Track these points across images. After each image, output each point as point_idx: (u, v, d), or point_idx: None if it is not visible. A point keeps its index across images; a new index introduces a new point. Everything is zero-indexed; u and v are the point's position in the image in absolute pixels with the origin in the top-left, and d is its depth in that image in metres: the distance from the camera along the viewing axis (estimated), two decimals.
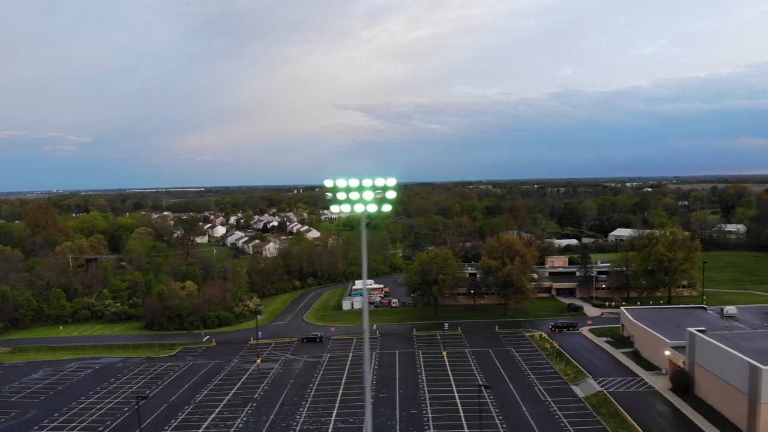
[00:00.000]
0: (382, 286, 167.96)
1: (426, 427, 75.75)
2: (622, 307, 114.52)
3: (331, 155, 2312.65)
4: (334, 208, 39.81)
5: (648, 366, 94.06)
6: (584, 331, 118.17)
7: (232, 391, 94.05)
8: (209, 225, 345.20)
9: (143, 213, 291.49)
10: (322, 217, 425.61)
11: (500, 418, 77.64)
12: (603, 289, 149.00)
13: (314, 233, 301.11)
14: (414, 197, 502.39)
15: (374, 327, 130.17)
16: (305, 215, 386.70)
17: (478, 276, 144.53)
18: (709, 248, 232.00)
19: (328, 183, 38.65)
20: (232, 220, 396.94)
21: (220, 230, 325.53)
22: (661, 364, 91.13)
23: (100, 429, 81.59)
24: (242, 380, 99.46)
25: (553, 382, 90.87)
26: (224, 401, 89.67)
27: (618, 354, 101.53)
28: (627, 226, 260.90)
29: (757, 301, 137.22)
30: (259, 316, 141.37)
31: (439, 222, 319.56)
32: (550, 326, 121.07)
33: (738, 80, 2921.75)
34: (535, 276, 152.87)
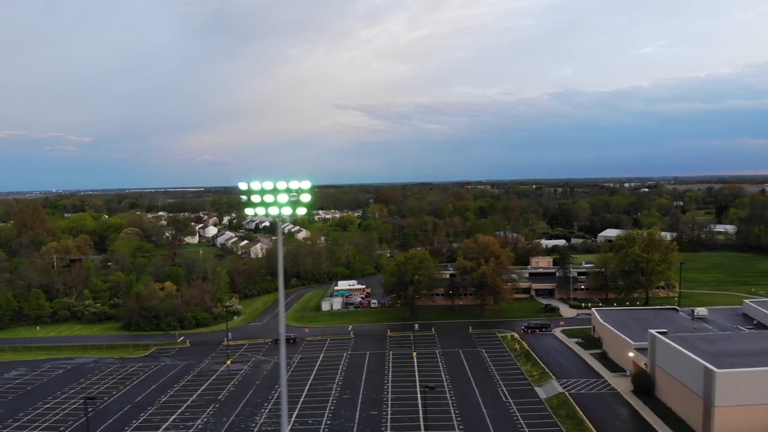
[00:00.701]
0: (363, 286, 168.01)
1: (383, 429, 75.68)
2: (592, 308, 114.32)
3: (331, 155, 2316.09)
4: (249, 211, 39.77)
5: (614, 367, 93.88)
6: (557, 332, 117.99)
7: (198, 392, 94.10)
8: (201, 225, 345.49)
9: (131, 213, 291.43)
10: (315, 218, 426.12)
11: (458, 419, 77.57)
12: (582, 290, 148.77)
13: (305, 233, 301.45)
14: (409, 197, 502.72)
15: (350, 328, 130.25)
16: (304, 215, 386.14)
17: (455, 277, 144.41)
18: (697, 249, 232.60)
19: (243, 186, 38.61)
20: (226, 220, 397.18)
21: (212, 230, 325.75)
22: (626, 365, 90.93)
23: (61, 429, 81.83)
24: (209, 381, 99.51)
25: (518, 383, 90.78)
26: (188, 402, 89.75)
27: (586, 355, 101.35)
28: (616, 226, 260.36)
29: (737, 302, 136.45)
30: (236, 317, 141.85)
31: (430, 222, 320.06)
32: (523, 327, 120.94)
33: (738, 80, 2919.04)
34: (514, 276, 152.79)
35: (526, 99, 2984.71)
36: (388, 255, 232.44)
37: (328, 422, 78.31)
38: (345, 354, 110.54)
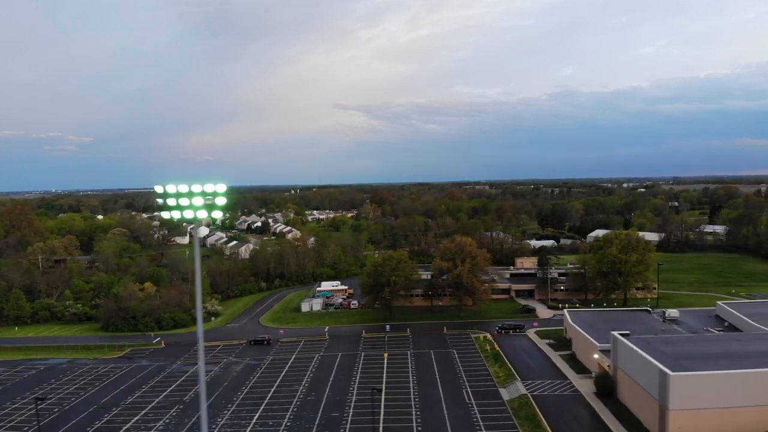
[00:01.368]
0: (346, 287, 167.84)
1: (341, 431, 75.61)
2: (564, 310, 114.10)
3: (330, 155, 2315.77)
4: (165, 214, 39.70)
5: (581, 369, 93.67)
6: (530, 333, 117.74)
7: (164, 394, 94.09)
8: (192, 226, 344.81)
9: (120, 214, 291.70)
10: (309, 218, 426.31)
11: (419, 421, 77.44)
12: (562, 290, 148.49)
13: (296, 234, 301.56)
14: (404, 198, 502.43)
15: (326, 329, 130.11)
16: (291, 215, 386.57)
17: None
18: (684, 250, 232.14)
19: (159, 189, 38.55)
20: (219, 220, 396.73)
21: (204, 231, 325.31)
22: (593, 367, 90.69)
23: (25, 429, 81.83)
24: (178, 382, 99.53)
25: (483, 385, 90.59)
26: (153, 403, 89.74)
27: (555, 356, 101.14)
28: (606, 227, 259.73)
29: (715, 303, 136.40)
30: (213, 318, 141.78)
31: (421, 223, 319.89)
32: (496, 328, 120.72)
33: (737, 81, 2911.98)
34: (495, 278, 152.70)
35: (526, 99, 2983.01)
36: (375, 255, 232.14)
37: (289, 424, 78.24)
38: (317, 355, 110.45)
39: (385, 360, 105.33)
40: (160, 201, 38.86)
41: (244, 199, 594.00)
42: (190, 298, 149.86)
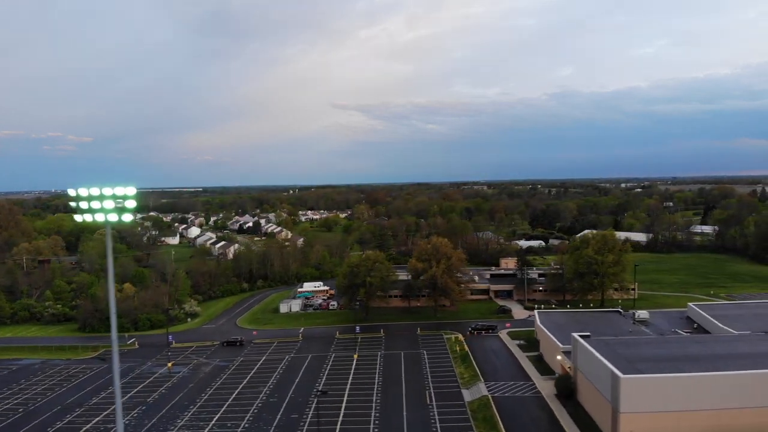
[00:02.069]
0: (327, 288, 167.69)
1: None
2: (535, 310, 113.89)
3: (329, 155, 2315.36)
4: (78, 217, 39.65)
5: (546, 370, 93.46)
6: (502, 334, 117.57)
7: (130, 394, 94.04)
8: (184, 226, 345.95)
9: None
10: (303, 218, 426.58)
11: (377, 422, 77.31)
12: (541, 291, 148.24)
13: (286, 234, 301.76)
14: (399, 198, 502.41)
15: (301, 330, 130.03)
16: (284, 215, 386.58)
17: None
18: (672, 250, 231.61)
19: (72, 192, 38.47)
20: (212, 221, 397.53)
21: (195, 231, 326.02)
22: (557, 368, 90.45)
23: None
24: (145, 383, 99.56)
25: (447, 386, 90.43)
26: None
27: (522, 358, 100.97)
28: (594, 227, 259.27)
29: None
30: (189, 319, 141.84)
31: (412, 223, 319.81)
32: (469, 329, 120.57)
33: (736, 81, 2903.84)
34: (475, 278, 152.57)
35: (525, 99, 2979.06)
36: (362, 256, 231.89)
37: (246, 426, 78.17)
38: (287, 357, 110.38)
39: (355, 361, 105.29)
40: (72, 204, 38.72)
41: (240, 199, 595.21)
42: (169, 298, 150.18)
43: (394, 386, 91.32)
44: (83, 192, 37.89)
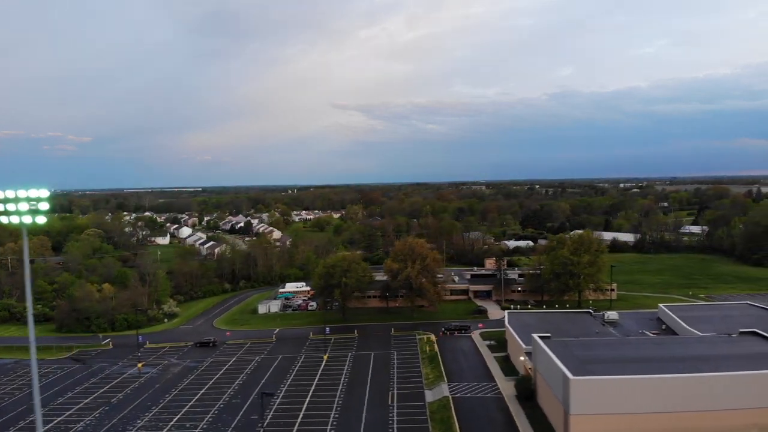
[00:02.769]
0: (308, 288, 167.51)
1: None
2: (505, 311, 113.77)
3: (329, 155, 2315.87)
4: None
5: (511, 371, 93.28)
6: (474, 334, 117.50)
7: (96, 394, 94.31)
8: (176, 226, 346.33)
9: (95, 214, 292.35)
10: (297, 218, 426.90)
11: (334, 423, 77.27)
12: (519, 291, 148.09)
13: (277, 234, 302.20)
14: (393, 199, 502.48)
15: (276, 331, 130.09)
16: (276, 215, 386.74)
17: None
18: (659, 251, 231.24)
19: None
20: (205, 221, 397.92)
21: (186, 231, 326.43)
22: (522, 369, 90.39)
23: None
24: (113, 383, 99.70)
25: (411, 387, 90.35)
26: (81, 404, 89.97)
27: (490, 358, 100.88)
28: (582, 228, 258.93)
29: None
30: (166, 320, 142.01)
31: (403, 223, 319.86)
32: (442, 329, 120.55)
33: (736, 81, 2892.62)
34: (455, 278, 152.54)
35: (525, 99, 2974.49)
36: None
37: (204, 426, 78.19)
38: (257, 357, 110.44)
39: (324, 362, 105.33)
40: None
41: (236, 199, 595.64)
42: (148, 299, 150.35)
43: (358, 387, 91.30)
44: None
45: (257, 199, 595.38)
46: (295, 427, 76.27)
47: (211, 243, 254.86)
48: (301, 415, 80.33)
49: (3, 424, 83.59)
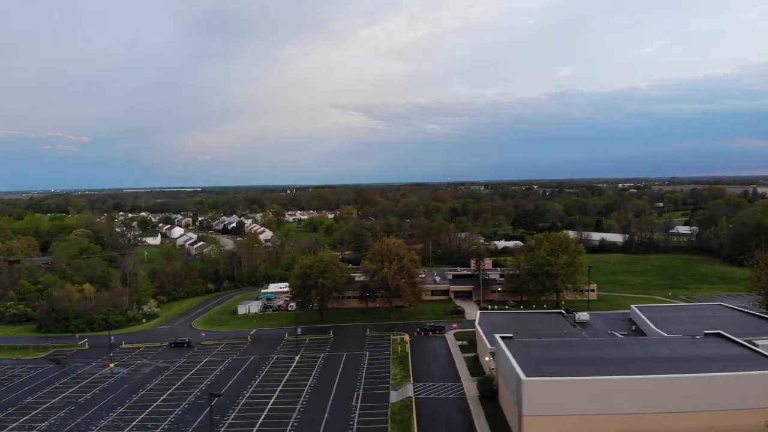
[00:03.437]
0: (290, 289, 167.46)
1: None
2: (478, 311, 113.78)
3: (329, 155, 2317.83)
4: None
5: (479, 371, 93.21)
6: (448, 334, 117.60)
7: (64, 394, 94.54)
8: (168, 226, 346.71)
9: (84, 214, 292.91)
10: (291, 218, 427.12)
11: (294, 424, 77.35)
12: (499, 292, 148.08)
13: (268, 234, 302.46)
14: (389, 199, 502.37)
15: (252, 332, 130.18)
16: (270, 215, 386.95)
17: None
18: (647, 251, 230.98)
19: None
20: (198, 221, 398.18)
21: (178, 231, 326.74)
22: (487, 370, 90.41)
23: None
24: (82, 384, 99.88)
25: (378, 387, 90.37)
26: (48, 404, 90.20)
27: (459, 359, 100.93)
28: (571, 228, 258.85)
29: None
30: (144, 321, 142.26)
31: (395, 224, 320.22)
32: (417, 329, 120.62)
33: (736, 81, 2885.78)
34: (436, 279, 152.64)
35: (525, 99, 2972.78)
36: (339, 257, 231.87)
37: (166, 427, 78.35)
38: (229, 358, 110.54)
39: (295, 362, 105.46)
40: None
41: (233, 200, 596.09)
42: (129, 299, 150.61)
43: (325, 388, 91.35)
44: None
45: (254, 199, 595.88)
46: (255, 428, 76.42)
47: (200, 243, 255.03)
48: (263, 416, 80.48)
49: None
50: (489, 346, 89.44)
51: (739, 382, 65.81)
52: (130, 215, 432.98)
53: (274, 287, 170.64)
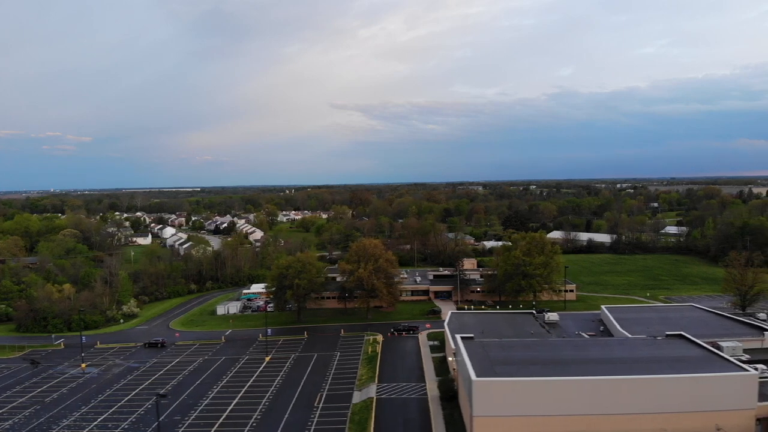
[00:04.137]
0: (265, 290, 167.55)
1: None
2: (449, 311, 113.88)
3: (329, 155, 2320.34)
4: None
5: (444, 372, 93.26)
6: (422, 335, 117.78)
7: (32, 393, 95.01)
8: (160, 226, 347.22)
9: (73, 214, 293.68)
10: (285, 219, 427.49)
11: (253, 425, 77.55)
12: (478, 292, 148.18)
13: (258, 234, 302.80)
14: (379, 199, 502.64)
15: (227, 332, 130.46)
16: (262, 216, 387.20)
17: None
18: (635, 251, 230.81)
19: None
20: (192, 221, 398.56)
21: (170, 231, 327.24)
22: (451, 370, 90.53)
23: None
24: (51, 383, 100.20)
25: (342, 388, 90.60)
26: (15, 403, 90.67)
27: (427, 359, 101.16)
28: (559, 228, 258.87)
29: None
30: (122, 321, 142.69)
31: (386, 224, 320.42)
32: (390, 330, 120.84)
33: (735, 81, 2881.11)
34: (417, 279, 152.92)
35: (524, 99, 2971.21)
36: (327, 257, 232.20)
37: (126, 426, 78.70)
38: (200, 359, 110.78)
39: (264, 363, 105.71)
40: None
41: (229, 200, 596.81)
42: (109, 299, 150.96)
43: (290, 388, 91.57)
44: None
45: (251, 199, 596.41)
46: (214, 428, 76.67)
47: (189, 243, 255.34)
48: (223, 416, 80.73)
49: None
50: (453, 346, 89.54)
51: (690, 384, 65.70)
52: (125, 215, 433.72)
53: (256, 288, 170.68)
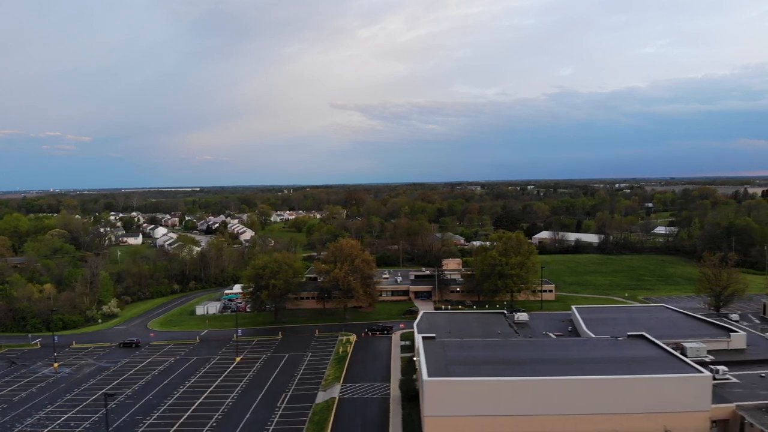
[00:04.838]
0: (242, 291, 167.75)
1: None
2: (421, 311, 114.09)
3: (329, 155, 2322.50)
4: None
5: (410, 372, 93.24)
6: (395, 334, 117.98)
7: (1, 393, 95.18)
8: (152, 226, 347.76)
9: (63, 214, 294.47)
10: (279, 219, 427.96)
11: (213, 425, 77.84)
12: (458, 292, 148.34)
13: (249, 234, 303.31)
14: (376, 199, 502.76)
15: (202, 332, 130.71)
16: (255, 216, 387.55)
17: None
18: (622, 251, 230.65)
19: None
20: (184, 221, 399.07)
21: (161, 231, 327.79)
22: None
23: None
24: (22, 383, 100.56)
25: (308, 388, 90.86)
26: None
27: (396, 359, 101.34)
28: (547, 228, 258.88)
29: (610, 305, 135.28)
30: (100, 321, 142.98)
31: (377, 224, 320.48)
32: (365, 330, 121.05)
33: (735, 81, 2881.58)
34: (398, 279, 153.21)
35: (524, 99, 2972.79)
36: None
37: (87, 426, 79.05)
38: (172, 359, 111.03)
39: (234, 363, 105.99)
40: None
41: (225, 200, 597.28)
42: (90, 299, 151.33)
43: (255, 389, 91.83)
44: None
45: (249, 199, 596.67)
46: (173, 428, 76.97)
47: (178, 243, 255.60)
48: (185, 416, 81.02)
49: None
50: (417, 346, 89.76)
51: (642, 386, 65.76)
52: (120, 215, 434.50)
53: (238, 288, 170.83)
